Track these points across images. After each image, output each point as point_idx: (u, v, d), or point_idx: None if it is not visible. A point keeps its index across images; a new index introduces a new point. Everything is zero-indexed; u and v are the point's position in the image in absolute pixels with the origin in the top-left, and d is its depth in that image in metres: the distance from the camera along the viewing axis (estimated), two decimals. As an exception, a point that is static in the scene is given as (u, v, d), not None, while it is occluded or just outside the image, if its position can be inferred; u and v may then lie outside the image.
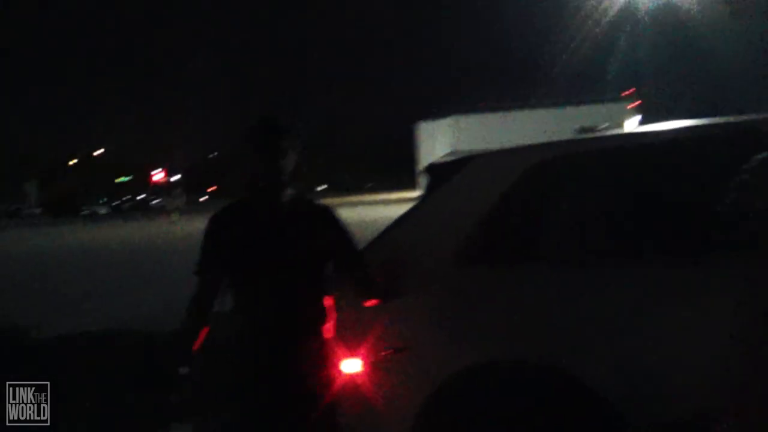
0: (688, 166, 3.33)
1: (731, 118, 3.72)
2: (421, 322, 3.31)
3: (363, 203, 51.48)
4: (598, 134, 3.82)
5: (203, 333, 2.87)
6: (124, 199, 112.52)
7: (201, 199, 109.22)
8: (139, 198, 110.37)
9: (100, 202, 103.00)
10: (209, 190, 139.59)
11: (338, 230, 3.00)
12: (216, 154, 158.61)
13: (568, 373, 3.10)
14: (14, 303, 13.62)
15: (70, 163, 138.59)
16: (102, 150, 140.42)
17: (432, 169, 3.84)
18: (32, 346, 9.46)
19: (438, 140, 65.41)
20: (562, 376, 3.11)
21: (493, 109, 66.77)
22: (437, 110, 62.28)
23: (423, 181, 3.87)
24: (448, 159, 3.93)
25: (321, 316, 2.96)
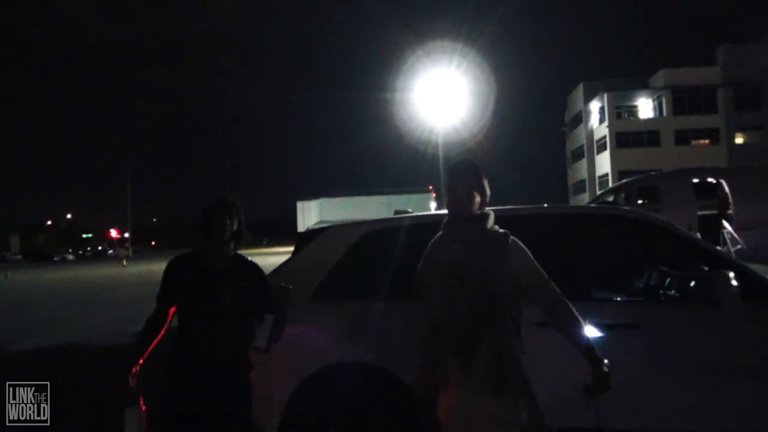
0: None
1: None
2: (290, 337, 3.18)
3: (261, 254, 50.32)
4: (405, 215, 3.90)
5: (150, 348, 2.57)
6: (87, 249, 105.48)
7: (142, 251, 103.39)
8: (99, 248, 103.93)
9: (69, 251, 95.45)
10: (152, 243, 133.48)
11: (262, 284, 2.70)
12: (155, 219, 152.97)
13: (382, 367, 3.12)
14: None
15: (48, 223, 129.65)
16: (70, 215, 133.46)
17: (299, 234, 3.79)
18: (12, 355, 8.55)
19: (311, 214, 65.93)
20: (378, 369, 3.13)
21: (346, 194, 67.95)
22: (309, 194, 62.85)
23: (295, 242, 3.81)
24: (315, 227, 3.91)
25: (245, 362, 2.60)
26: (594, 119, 53.87)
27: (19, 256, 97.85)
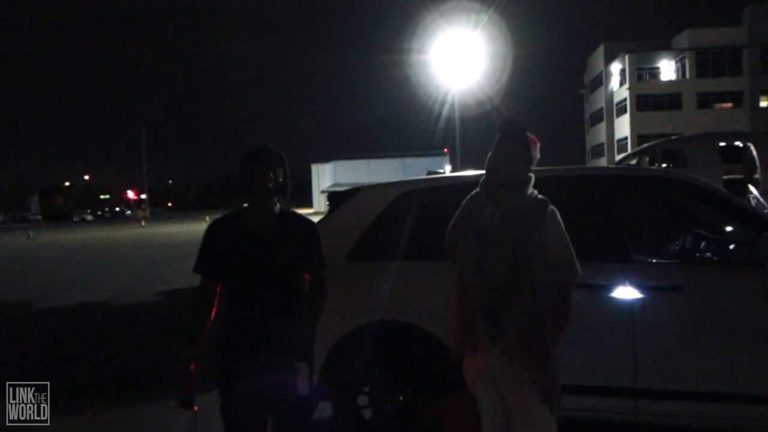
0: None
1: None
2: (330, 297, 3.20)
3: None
4: (439, 175, 3.86)
5: (203, 336, 2.29)
6: (105, 210, 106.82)
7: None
8: (117, 209, 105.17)
9: (88, 212, 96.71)
10: (168, 204, 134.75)
11: (315, 245, 2.39)
12: (171, 181, 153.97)
13: (416, 326, 3.15)
14: (23, 282, 12.62)
15: (66, 184, 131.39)
16: (87, 177, 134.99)
17: (333, 195, 3.78)
18: (36, 314, 8.80)
19: (325, 176, 65.88)
20: (412, 328, 3.16)
21: (360, 157, 67.71)
22: (323, 156, 62.83)
23: (326, 203, 3.80)
24: (337, 189, 3.89)
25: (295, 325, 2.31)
26: (614, 81, 52.72)
27: (39, 217, 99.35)
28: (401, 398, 3.32)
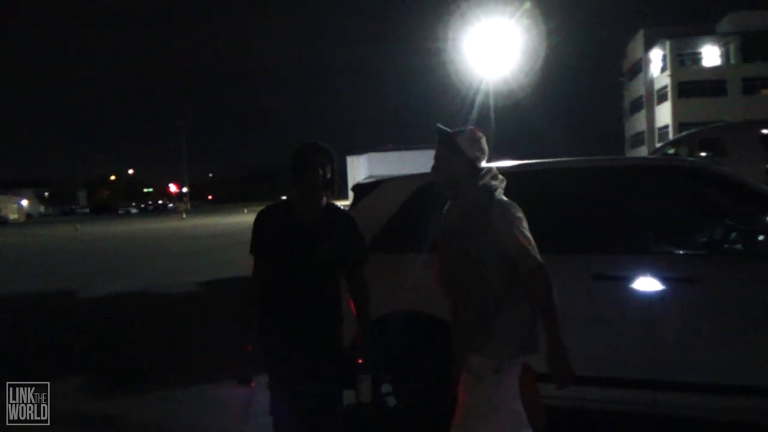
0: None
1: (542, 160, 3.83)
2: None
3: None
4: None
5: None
6: (149, 202, 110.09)
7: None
8: (159, 202, 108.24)
9: (132, 205, 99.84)
10: (208, 197, 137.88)
11: (358, 238, 2.49)
12: (211, 175, 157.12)
13: (439, 317, 3.16)
14: (71, 272, 13.18)
15: (111, 178, 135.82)
16: (131, 171, 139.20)
17: (357, 187, 3.86)
18: (79, 303, 9.20)
19: (359, 168, 66.12)
20: (435, 319, 3.20)
21: (393, 149, 67.80)
22: (357, 148, 63.13)
23: (352, 195, 3.89)
24: (367, 181, 3.96)
25: (336, 312, 2.46)
26: (654, 68, 51.12)
27: (87, 210, 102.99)
28: (423, 387, 3.38)
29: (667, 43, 47.77)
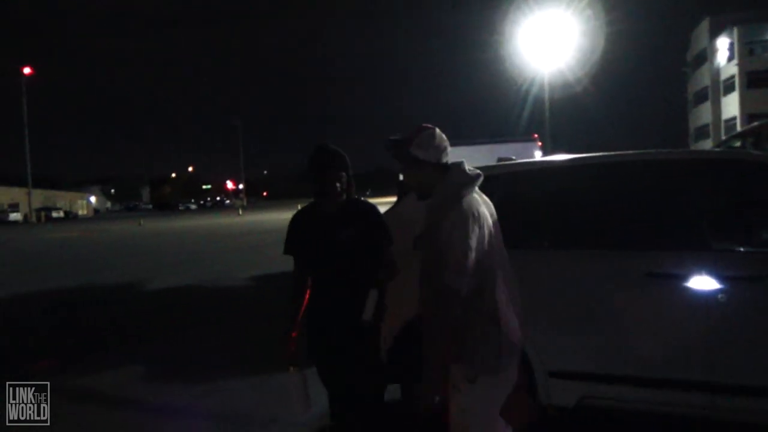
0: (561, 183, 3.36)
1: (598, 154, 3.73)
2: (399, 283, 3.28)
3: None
4: (510, 162, 3.83)
5: (303, 307, 2.63)
6: (207, 199, 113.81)
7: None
8: (217, 198, 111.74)
9: (192, 201, 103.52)
10: (263, 194, 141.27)
11: (379, 223, 2.65)
12: (265, 172, 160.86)
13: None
14: (135, 265, 13.79)
15: (172, 175, 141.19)
16: (191, 168, 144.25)
17: (402, 183, 3.86)
18: (141, 295, 9.62)
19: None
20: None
21: (467, 143, 67.39)
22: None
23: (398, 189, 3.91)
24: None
25: (364, 300, 2.56)
26: (721, 57, 48.60)
27: (150, 206, 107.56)
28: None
29: (735, 31, 45.33)
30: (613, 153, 3.39)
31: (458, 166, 2.20)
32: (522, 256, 3.14)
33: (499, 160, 3.90)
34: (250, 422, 3.88)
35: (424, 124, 2.24)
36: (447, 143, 2.23)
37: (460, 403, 2.14)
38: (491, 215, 2.21)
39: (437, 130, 2.22)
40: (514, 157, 4.02)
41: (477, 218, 2.06)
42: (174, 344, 6.16)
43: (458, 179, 2.15)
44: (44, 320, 8.09)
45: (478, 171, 2.21)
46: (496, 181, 3.51)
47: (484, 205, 2.18)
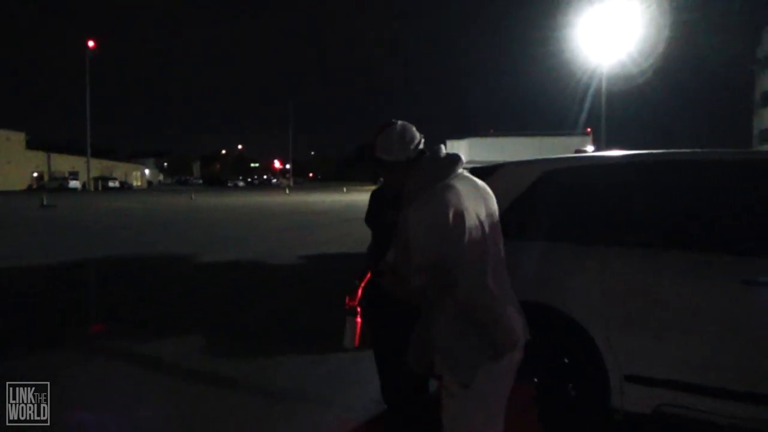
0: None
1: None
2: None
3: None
4: (585, 154, 3.66)
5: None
6: (255, 177, 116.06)
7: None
8: (264, 177, 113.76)
9: (240, 178, 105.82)
10: (309, 175, 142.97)
11: None
12: (312, 153, 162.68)
13: (557, 308, 3.04)
14: (186, 239, 14.12)
15: (222, 152, 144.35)
16: (240, 146, 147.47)
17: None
18: (196, 268, 9.83)
19: (460, 152, 65.33)
20: (552, 310, 3.05)
21: (495, 135, 66.69)
22: (459, 133, 63.11)
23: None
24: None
25: None
26: (795, 55, 45.94)
27: (200, 181, 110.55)
28: (535, 380, 3.24)
29: (813, 28, 42.71)
30: (708, 150, 3.19)
31: (433, 154, 2.02)
32: (601, 253, 3.01)
33: (576, 151, 3.74)
34: (304, 400, 3.87)
35: (386, 122, 2.08)
36: (413, 134, 2.04)
37: (450, 410, 1.94)
38: (486, 204, 1.99)
39: (397, 126, 2.04)
40: (590, 150, 3.85)
41: (447, 211, 1.83)
42: (227, 319, 6.25)
43: (428, 169, 1.96)
44: (105, 286, 8.38)
45: (457, 157, 2.02)
46: (572, 173, 3.37)
47: (472, 194, 1.94)
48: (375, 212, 2.90)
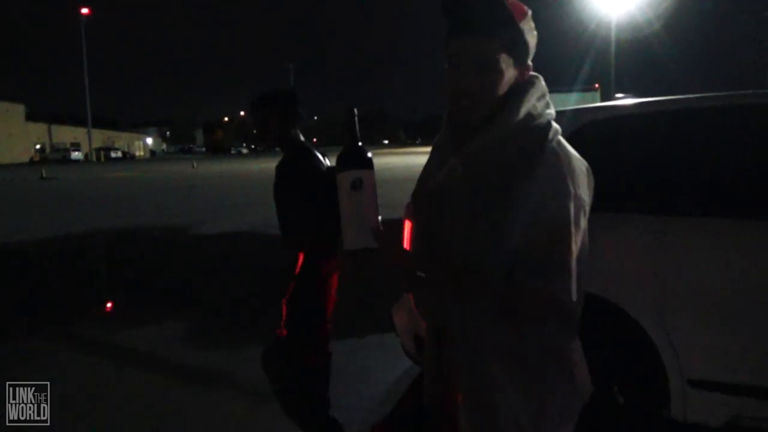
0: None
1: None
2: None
3: (414, 153, 50.92)
4: (631, 101, 3.00)
5: None
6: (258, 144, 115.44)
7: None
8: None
9: (243, 145, 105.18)
10: (313, 140, 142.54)
11: None
12: (315, 118, 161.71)
13: (599, 296, 2.38)
14: (187, 208, 13.65)
15: (225, 119, 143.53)
16: (243, 113, 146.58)
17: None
18: (196, 237, 9.39)
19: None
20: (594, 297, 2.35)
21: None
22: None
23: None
24: None
25: None
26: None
27: (203, 149, 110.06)
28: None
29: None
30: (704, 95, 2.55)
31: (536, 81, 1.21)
32: (656, 224, 2.39)
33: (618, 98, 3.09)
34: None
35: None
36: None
37: None
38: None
39: None
40: (621, 96, 3.20)
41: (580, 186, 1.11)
42: (227, 297, 5.75)
43: (542, 107, 1.19)
44: (108, 260, 7.90)
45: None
46: (618, 124, 2.72)
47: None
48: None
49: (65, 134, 72.10)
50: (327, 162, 2.66)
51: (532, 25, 1.17)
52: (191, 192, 18.57)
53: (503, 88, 1.15)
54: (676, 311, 2.28)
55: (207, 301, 5.66)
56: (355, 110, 1.26)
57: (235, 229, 10.13)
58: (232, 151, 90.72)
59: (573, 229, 1.08)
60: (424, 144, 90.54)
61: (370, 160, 1.21)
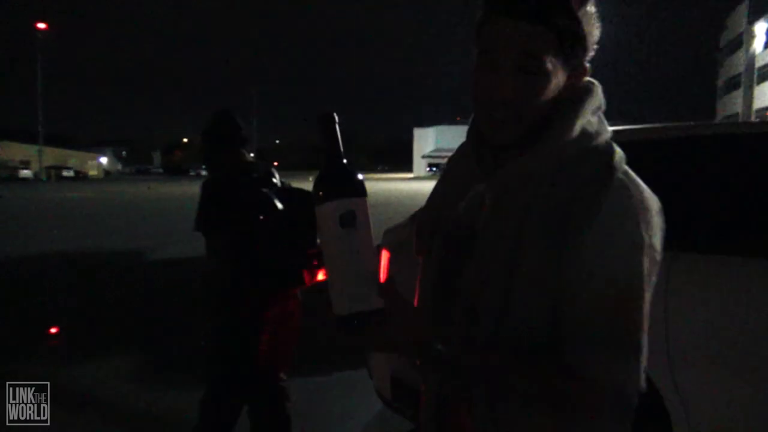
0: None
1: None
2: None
3: (376, 179, 50.98)
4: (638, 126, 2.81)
5: None
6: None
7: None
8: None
9: (203, 167, 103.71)
10: (274, 163, 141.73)
11: None
12: (277, 141, 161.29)
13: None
14: (135, 232, 13.06)
15: (184, 140, 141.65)
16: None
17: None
18: (147, 264, 8.87)
19: (427, 141, 65.05)
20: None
21: (464, 122, 66.34)
22: (427, 121, 62.60)
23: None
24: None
25: None
26: (758, 43, 46.60)
27: (161, 170, 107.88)
28: None
29: (775, 16, 43.30)
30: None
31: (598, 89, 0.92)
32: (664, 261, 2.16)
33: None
34: None
35: None
36: None
37: None
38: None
39: None
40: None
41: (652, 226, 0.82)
42: (181, 332, 5.28)
43: (597, 123, 0.89)
44: (52, 285, 7.30)
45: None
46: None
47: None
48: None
49: (15, 151, 69.46)
50: (277, 181, 2.61)
51: (595, 13, 0.84)
52: (146, 213, 17.90)
53: (550, 95, 0.84)
54: (684, 354, 2.03)
55: (157, 334, 5.21)
56: (336, 116, 0.86)
57: (188, 255, 9.65)
58: (191, 173, 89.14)
59: (646, 294, 0.79)
60: (387, 171, 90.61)
61: (361, 183, 0.83)
